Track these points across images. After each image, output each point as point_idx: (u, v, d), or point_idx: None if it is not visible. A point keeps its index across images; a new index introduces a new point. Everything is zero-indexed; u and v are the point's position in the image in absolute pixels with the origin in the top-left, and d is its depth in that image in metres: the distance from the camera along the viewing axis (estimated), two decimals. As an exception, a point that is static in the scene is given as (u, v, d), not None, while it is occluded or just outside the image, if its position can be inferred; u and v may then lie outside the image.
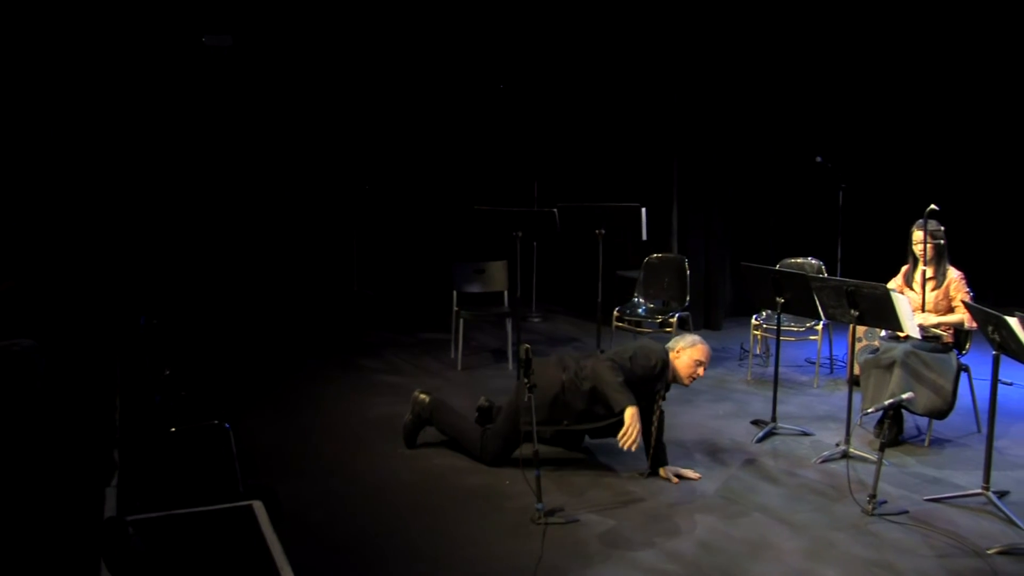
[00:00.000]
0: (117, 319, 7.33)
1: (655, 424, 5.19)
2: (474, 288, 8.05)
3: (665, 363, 5.23)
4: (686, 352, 5.29)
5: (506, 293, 8.06)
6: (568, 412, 5.24)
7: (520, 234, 6.50)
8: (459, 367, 7.65)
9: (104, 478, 4.65)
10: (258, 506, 4.30)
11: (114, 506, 4.46)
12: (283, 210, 9.90)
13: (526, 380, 4.75)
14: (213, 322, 8.99)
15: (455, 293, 7.90)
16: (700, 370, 5.31)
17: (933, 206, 5.75)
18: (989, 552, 4.40)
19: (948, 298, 5.92)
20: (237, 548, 3.97)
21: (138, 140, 9.19)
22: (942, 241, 5.94)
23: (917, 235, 5.94)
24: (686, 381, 5.33)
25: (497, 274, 8.08)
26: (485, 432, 5.52)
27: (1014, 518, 4.72)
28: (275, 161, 9.81)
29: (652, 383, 5.20)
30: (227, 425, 4.94)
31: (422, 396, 5.76)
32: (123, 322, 7.01)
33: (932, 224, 5.89)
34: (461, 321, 7.71)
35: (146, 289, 8.82)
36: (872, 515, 4.79)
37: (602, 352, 5.70)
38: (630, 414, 4.92)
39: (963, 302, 5.63)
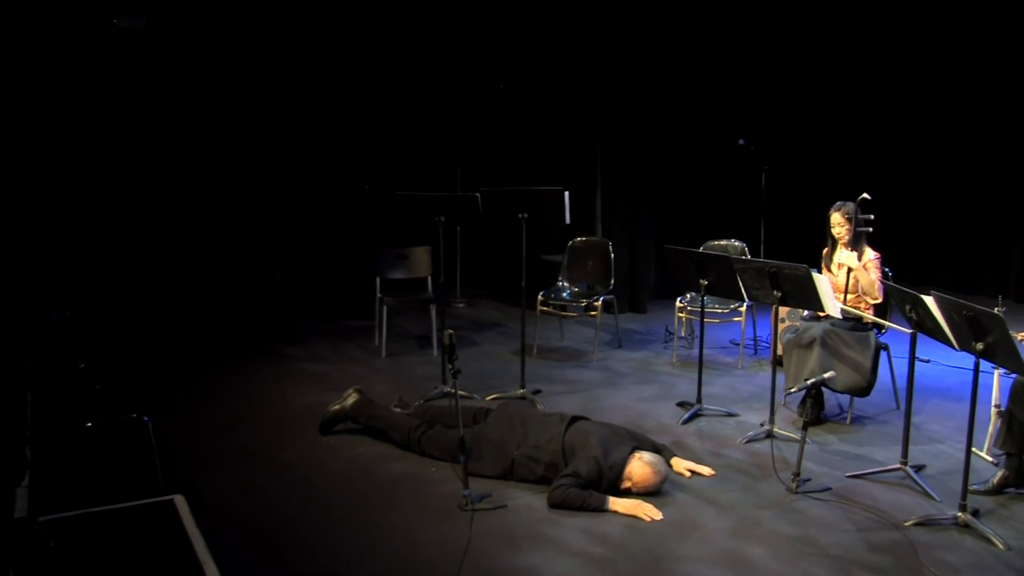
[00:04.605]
0: (28, 310, 7.09)
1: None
2: (397, 274, 7.97)
3: (598, 463, 4.83)
4: (641, 466, 4.86)
5: (430, 279, 8.00)
6: (516, 475, 5.07)
7: (443, 219, 6.43)
8: (383, 354, 7.57)
9: (14, 478, 4.49)
10: (180, 501, 4.22)
11: (25, 507, 4.32)
12: (201, 196, 9.67)
13: (450, 365, 4.72)
14: (130, 312, 8.76)
15: (378, 279, 7.82)
16: (627, 483, 4.84)
17: (865, 195, 5.82)
18: (906, 524, 4.51)
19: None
20: (158, 545, 3.87)
21: (49, 125, 8.88)
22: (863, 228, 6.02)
23: (835, 218, 6.02)
24: (623, 481, 4.88)
25: (420, 260, 8.02)
26: (420, 429, 5.42)
27: (929, 490, 4.85)
28: (192, 146, 9.57)
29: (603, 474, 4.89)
30: (146, 418, 4.81)
31: (353, 395, 5.75)
32: (34, 313, 6.77)
33: (851, 208, 5.96)
34: (384, 308, 7.63)
35: (58, 279, 8.55)
36: (796, 493, 4.87)
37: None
38: (623, 508, 4.69)
39: (882, 282, 5.74)
